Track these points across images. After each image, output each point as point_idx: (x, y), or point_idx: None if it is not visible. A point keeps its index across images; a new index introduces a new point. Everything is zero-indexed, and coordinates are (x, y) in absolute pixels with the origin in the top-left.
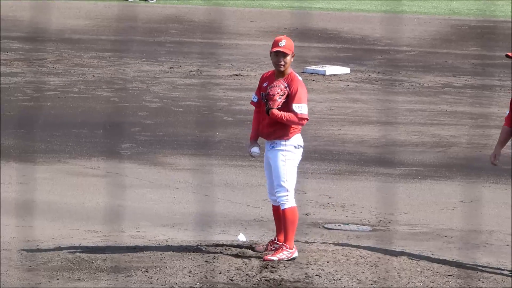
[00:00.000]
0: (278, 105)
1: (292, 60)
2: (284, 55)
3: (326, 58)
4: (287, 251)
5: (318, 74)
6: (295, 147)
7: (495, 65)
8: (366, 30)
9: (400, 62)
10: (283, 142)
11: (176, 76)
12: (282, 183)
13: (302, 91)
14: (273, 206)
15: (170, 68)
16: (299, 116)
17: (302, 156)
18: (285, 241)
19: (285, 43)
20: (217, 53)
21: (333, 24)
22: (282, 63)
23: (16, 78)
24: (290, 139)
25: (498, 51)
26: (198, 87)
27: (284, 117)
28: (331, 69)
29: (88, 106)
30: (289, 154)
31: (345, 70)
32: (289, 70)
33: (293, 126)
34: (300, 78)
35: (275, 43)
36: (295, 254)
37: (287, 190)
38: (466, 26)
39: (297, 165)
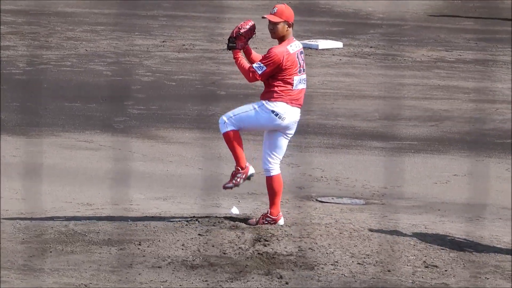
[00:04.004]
0: (241, 43)
1: (287, 28)
2: (271, 22)
3: (319, 32)
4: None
5: (310, 48)
6: (272, 112)
7: (488, 40)
8: (359, 4)
9: (393, 36)
10: (263, 101)
11: (168, 50)
12: (230, 113)
13: (271, 54)
14: (266, 177)
15: (163, 42)
16: (251, 69)
17: (287, 130)
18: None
19: (276, 10)
20: (210, 27)
21: None
22: (272, 30)
23: (8, 52)
24: (270, 103)
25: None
26: (191, 61)
27: (239, 61)
28: (323, 43)
29: (80, 80)
30: (261, 110)
31: (338, 44)
32: (289, 37)
33: (276, 91)
34: (290, 47)
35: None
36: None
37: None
38: (459, 0)
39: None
